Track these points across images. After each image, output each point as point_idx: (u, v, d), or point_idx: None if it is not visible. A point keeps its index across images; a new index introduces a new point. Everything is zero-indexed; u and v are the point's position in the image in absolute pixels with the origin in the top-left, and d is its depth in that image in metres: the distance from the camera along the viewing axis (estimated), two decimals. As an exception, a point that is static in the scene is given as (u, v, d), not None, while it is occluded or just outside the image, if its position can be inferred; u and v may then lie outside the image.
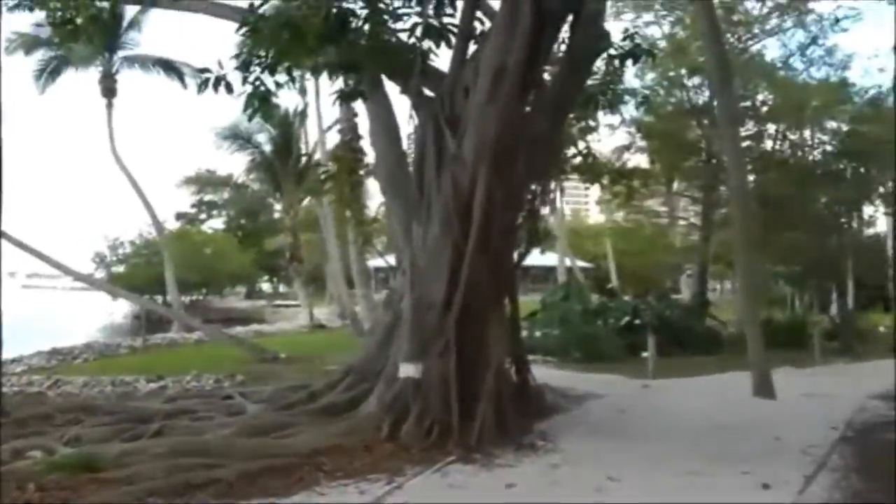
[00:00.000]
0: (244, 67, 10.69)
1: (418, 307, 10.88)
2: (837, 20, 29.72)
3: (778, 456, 9.93)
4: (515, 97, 11.05)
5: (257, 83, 10.68)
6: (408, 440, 9.74)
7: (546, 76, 13.42)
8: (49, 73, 35.52)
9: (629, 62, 14.51)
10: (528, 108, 11.93)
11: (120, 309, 51.55)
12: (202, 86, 10.75)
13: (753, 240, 16.98)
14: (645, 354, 19.52)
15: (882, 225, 37.14)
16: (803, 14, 30.43)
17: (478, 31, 12.02)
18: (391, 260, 14.56)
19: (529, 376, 13.02)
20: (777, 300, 34.27)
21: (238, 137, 37.58)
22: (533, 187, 12.84)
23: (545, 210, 13.42)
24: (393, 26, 11.96)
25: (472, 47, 11.91)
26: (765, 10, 30.86)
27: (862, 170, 28.45)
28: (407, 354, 10.60)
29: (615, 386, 16.42)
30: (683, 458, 9.59)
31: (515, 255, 12.65)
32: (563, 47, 12.95)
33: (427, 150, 11.62)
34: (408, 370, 10.36)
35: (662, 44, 30.38)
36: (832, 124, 30.59)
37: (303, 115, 36.59)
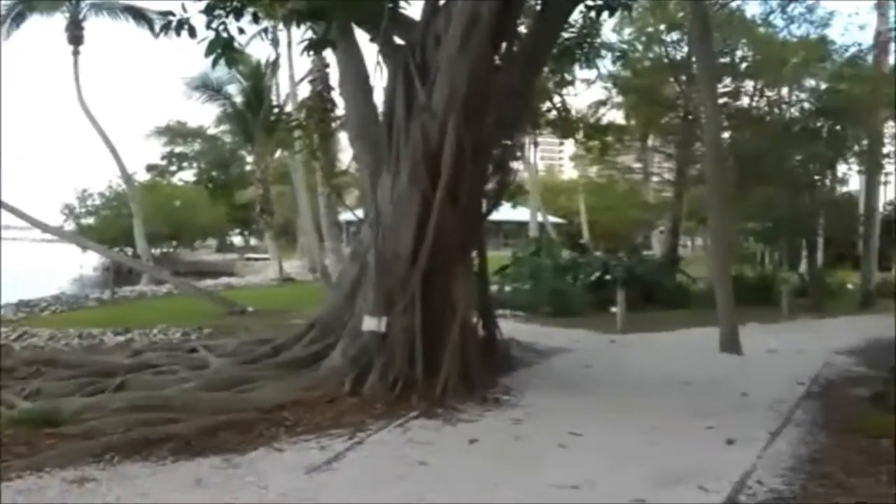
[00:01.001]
0: (209, 11, 10.35)
1: (384, 259, 10.73)
2: (818, -24, 29.62)
3: (743, 411, 9.98)
4: (488, 47, 10.82)
5: (221, 28, 10.34)
6: (371, 394, 9.63)
7: (521, 28, 13.20)
8: (13, 18, 34.65)
9: (605, 14, 14.28)
10: (500, 60, 11.68)
11: (89, 261, 51.08)
12: (164, 29, 10.42)
13: (727, 196, 16.91)
14: (614, 310, 19.57)
15: (854, 183, 37.36)
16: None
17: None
18: (360, 213, 14.40)
19: (496, 330, 12.96)
20: (747, 256, 34.39)
21: (208, 88, 37.04)
22: (503, 141, 12.62)
23: (516, 164, 13.20)
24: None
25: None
26: (746, -36, 30.56)
27: (838, 128, 28.39)
28: (371, 308, 10.47)
29: (583, 340, 16.50)
30: (648, 413, 9.60)
31: (484, 209, 12.46)
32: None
33: (396, 100, 11.36)
34: (371, 323, 10.23)
35: (641, -2, 30.06)
36: (811, 82, 30.45)
37: (274, 66, 36.07)
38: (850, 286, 31.08)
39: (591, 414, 9.46)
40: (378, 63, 11.69)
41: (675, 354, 14.95)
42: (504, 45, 11.63)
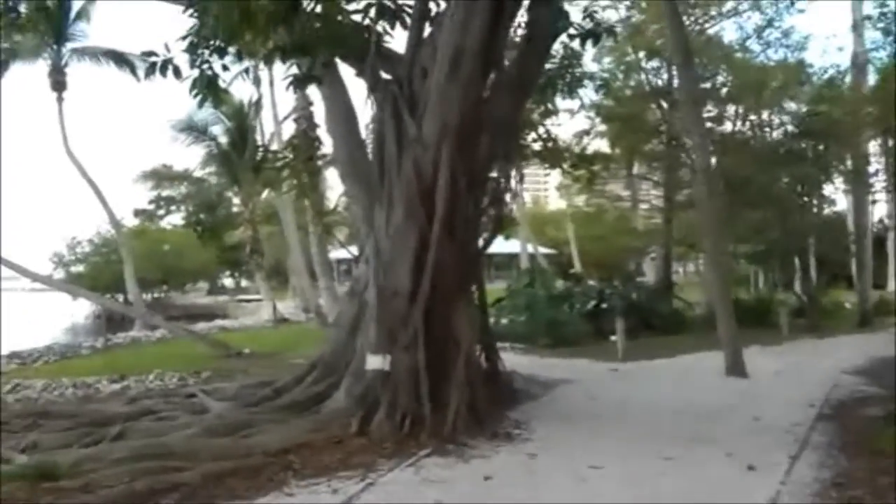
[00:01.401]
0: (192, 50, 10.16)
1: (383, 296, 10.49)
2: (793, 2, 29.74)
3: (759, 436, 9.72)
4: (476, 77, 10.66)
5: (205, 66, 10.16)
6: (379, 434, 9.34)
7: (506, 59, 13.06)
8: (-4, 67, 34.28)
9: (589, 43, 14.19)
10: (489, 90, 11.51)
11: (81, 309, 50.49)
12: (149, 70, 10.22)
13: (720, 220, 16.73)
14: (613, 338, 19.34)
15: (842, 203, 37.36)
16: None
17: (432, 13, 11.60)
18: (354, 251, 14.16)
19: (499, 363, 12.70)
20: (740, 279, 34.23)
21: (193, 130, 36.91)
22: (496, 172, 12.41)
23: (510, 195, 12.98)
24: (346, 7, 11.54)
25: (427, 28, 11.49)
26: (721, -8, 30.69)
27: (821, 148, 28.37)
28: (374, 345, 10.20)
29: (585, 371, 16.21)
30: (663, 442, 9.33)
31: (481, 241, 12.22)
32: (521, 30, 12.63)
33: (386, 134, 11.18)
34: (375, 362, 9.96)
35: (619, 27, 30.06)
36: (791, 105, 30.39)
37: (258, 105, 35.95)
38: (848, 305, 30.94)
39: (606, 445, 9.18)
40: (369, 97, 11.51)
41: (680, 380, 14.69)
42: (492, 74, 11.44)
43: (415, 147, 10.72)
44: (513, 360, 15.72)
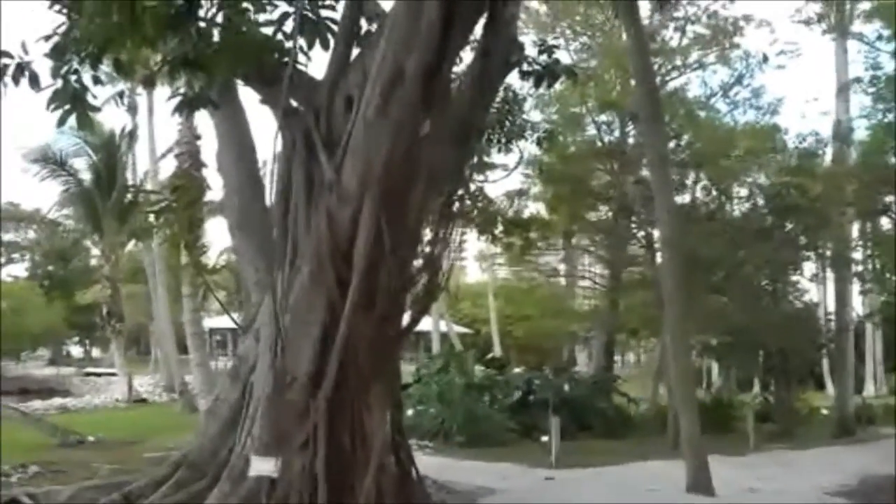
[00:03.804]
0: (57, 55, 9.37)
1: (278, 381, 9.74)
2: (766, 58, 30.19)
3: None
4: (414, 111, 10.02)
5: (72, 76, 9.38)
6: (258, 560, 8.52)
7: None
8: None
9: (533, 87, 13.94)
10: (428, 129, 10.93)
11: None
12: (-3, 74, 9.43)
13: (686, 305, 16.35)
14: (544, 438, 19.07)
15: (814, 293, 37.72)
16: (728, 49, 30.76)
17: (363, 30, 11.06)
18: (237, 319, 13.37)
19: (413, 469, 11.99)
20: (690, 375, 34.26)
21: (49, 161, 35.56)
22: (432, 230, 11.74)
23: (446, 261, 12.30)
24: (255, 17, 10.91)
25: (355, 50, 10.95)
26: (685, 42, 31.03)
27: (789, 227, 28.44)
28: (261, 444, 9.43)
29: (511, 478, 15.91)
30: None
31: (406, 317, 11.52)
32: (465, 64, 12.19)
33: (295, 177, 10.58)
34: (262, 466, 9.13)
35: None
36: (762, 178, 30.53)
37: (132, 136, 35.02)
38: (824, 411, 31.00)
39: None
40: (278, 131, 10.81)
41: (633, 497, 14.32)
42: (433, 109, 10.84)
43: (330, 196, 10.04)
44: (422, 461, 14.98)
